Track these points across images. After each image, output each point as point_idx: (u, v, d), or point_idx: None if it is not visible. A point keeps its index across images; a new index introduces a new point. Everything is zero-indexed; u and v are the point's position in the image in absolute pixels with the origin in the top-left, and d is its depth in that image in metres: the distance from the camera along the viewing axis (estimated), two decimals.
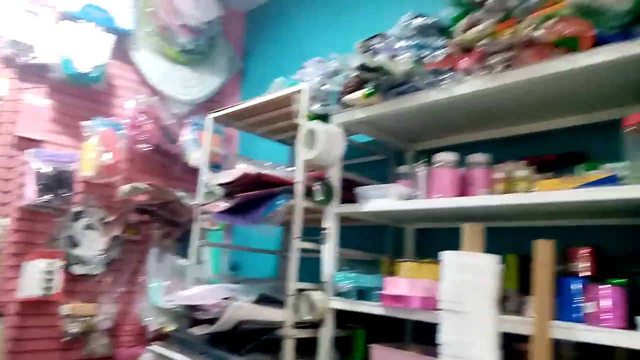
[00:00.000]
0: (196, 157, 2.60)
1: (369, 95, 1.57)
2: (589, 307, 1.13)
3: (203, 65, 2.89)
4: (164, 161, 2.68)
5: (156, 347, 1.93)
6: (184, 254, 2.49)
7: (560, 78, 1.25)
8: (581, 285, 1.17)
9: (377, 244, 2.06)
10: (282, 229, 2.51)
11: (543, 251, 1.06)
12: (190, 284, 2.08)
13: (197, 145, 2.65)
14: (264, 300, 1.72)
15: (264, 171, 1.75)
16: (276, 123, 2.25)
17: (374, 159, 2.13)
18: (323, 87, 1.74)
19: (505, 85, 1.32)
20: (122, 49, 2.56)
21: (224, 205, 1.84)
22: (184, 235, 2.60)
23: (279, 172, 1.82)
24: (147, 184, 2.42)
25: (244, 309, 1.62)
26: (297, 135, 1.75)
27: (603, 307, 1.11)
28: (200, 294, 1.74)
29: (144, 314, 2.34)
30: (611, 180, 1.14)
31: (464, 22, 1.38)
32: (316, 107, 1.75)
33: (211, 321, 1.67)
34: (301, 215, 1.71)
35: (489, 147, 1.78)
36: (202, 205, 2.10)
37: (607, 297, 1.11)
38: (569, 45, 1.19)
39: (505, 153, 1.71)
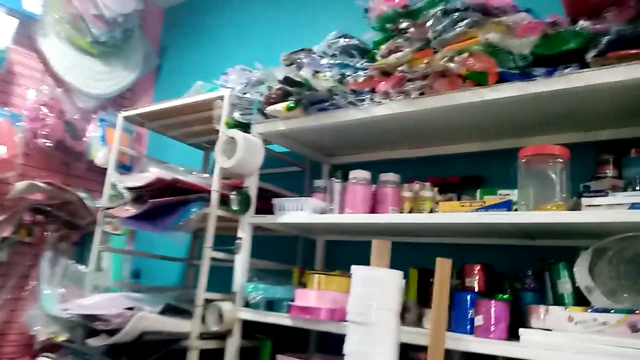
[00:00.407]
0: (102, 155, 2.46)
1: (290, 108, 1.60)
2: (479, 320, 1.23)
3: (116, 59, 2.75)
4: (65, 158, 2.50)
5: (45, 359, 1.78)
6: (81, 259, 2.34)
7: (468, 108, 1.37)
8: (472, 300, 1.28)
9: (288, 254, 2.08)
10: (191, 236, 2.45)
11: (441, 268, 1.14)
12: (88, 292, 1.96)
13: (103, 143, 2.51)
14: (170, 310, 1.66)
15: (179, 177, 1.70)
16: (192, 127, 2.20)
17: (291, 169, 2.15)
18: (245, 96, 1.74)
19: (419, 111, 1.41)
20: (26, 35, 2.37)
21: (132, 210, 1.76)
22: (82, 238, 2.44)
23: (194, 179, 1.77)
24: (45, 182, 2.24)
25: (149, 319, 1.56)
26: (213, 140, 1.73)
27: (490, 320, 1.21)
28: (101, 303, 1.64)
29: (32, 322, 2.15)
30: (505, 205, 1.26)
31: (385, 47, 1.46)
32: (237, 115, 1.74)
33: (110, 332, 1.58)
34: (214, 223, 1.69)
35: (400, 165, 1.88)
36: (107, 208, 1.99)
37: (493, 311, 1.22)
38: (478, 79, 1.30)
39: (414, 172, 1.82)
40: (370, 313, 1.18)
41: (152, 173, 1.74)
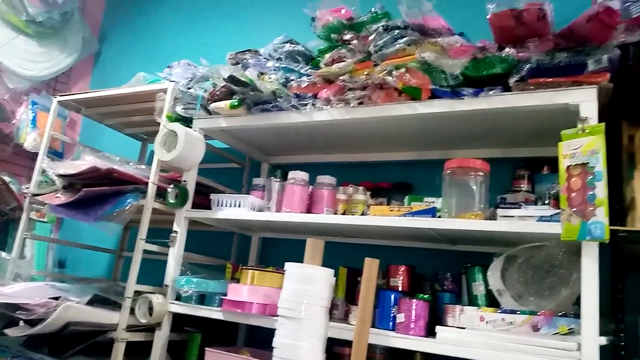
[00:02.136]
0: (32, 140, 2.36)
1: (234, 106, 1.63)
2: (400, 318, 1.32)
3: (53, 41, 2.65)
4: None
5: None
6: (3, 245, 2.23)
7: (402, 120, 1.46)
8: (396, 298, 1.37)
9: (223, 249, 2.10)
10: (122, 228, 2.40)
11: (369, 268, 1.21)
12: (9, 280, 1.87)
13: (34, 127, 2.40)
14: (98, 301, 1.63)
15: (116, 167, 1.68)
16: (131, 117, 2.16)
17: (230, 166, 2.17)
18: (189, 90, 1.74)
19: (357, 119, 1.48)
20: None
21: (63, 197, 1.71)
22: (5, 224, 2.33)
23: (131, 169, 1.75)
24: None
25: (75, 309, 1.53)
26: (152, 132, 1.72)
27: (410, 318, 1.31)
28: (24, 292, 1.58)
29: None
30: (430, 212, 1.36)
31: (329, 55, 1.52)
32: (179, 109, 1.74)
33: (32, 322, 1.53)
34: (149, 216, 1.68)
35: (336, 169, 1.96)
36: (36, 194, 1.91)
37: (414, 309, 1.31)
38: (412, 93, 1.39)
39: (349, 176, 1.90)
40: (301, 308, 1.24)
41: (87, 161, 1.70)
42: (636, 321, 1.36)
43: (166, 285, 1.65)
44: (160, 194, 1.72)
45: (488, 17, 1.23)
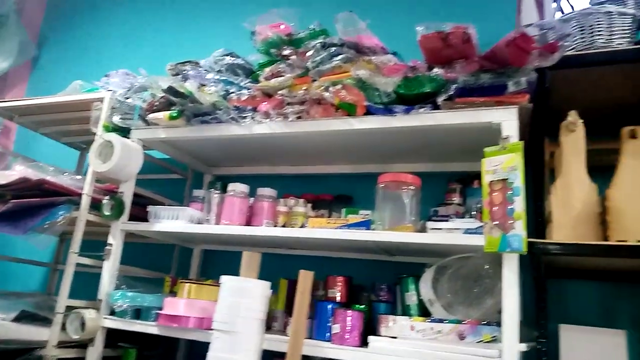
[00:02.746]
0: None
1: (173, 117, 1.61)
2: (336, 328, 1.34)
3: None
4: None
5: None
6: None
7: (339, 134, 1.49)
8: (332, 309, 1.39)
9: (164, 262, 2.06)
10: (57, 240, 2.31)
11: (304, 280, 1.23)
12: None
13: None
14: (26, 317, 1.56)
15: (47, 178, 1.62)
16: (69, 125, 2.10)
17: (172, 177, 2.14)
18: (127, 100, 1.71)
19: (296, 133, 1.51)
20: None
21: None
22: None
23: (65, 180, 1.70)
24: None
25: (1, 327, 1.46)
26: (90, 141, 1.68)
27: (345, 329, 1.33)
28: None
29: None
30: (365, 224, 1.40)
31: (269, 70, 1.54)
32: (116, 119, 1.71)
33: None
34: (83, 228, 1.63)
35: (279, 180, 1.99)
36: None
37: (349, 320, 1.34)
38: (348, 109, 1.43)
39: (292, 188, 1.92)
40: (236, 322, 1.24)
41: (17, 171, 1.63)
42: (556, 328, 1.44)
43: (100, 300, 1.61)
44: (96, 205, 1.68)
45: (418, 38, 1.29)
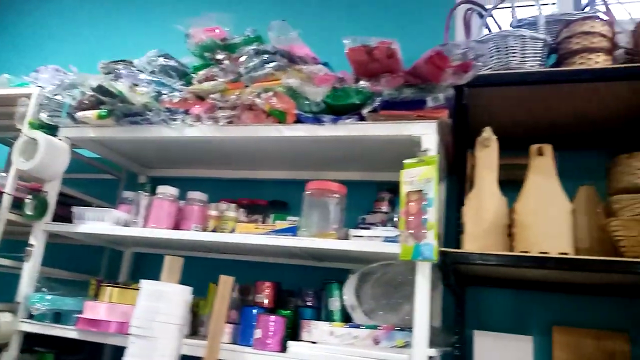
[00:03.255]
0: None
1: (102, 116, 1.58)
2: (257, 334, 1.35)
3: None
4: None
5: None
6: None
7: (269, 141, 1.51)
8: (256, 315, 1.40)
9: (93, 264, 2.01)
10: None
11: (223, 285, 1.24)
12: None
13: None
14: None
15: None
16: None
17: (106, 177, 2.09)
18: (56, 97, 1.67)
19: (227, 137, 1.51)
20: None
21: None
22: None
23: None
24: None
25: None
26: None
27: (268, 334, 1.35)
28: None
29: None
30: (291, 230, 1.42)
31: (203, 73, 1.54)
32: (44, 116, 1.66)
33: None
34: (3, 227, 1.57)
35: (216, 184, 1.98)
36: None
37: (271, 325, 1.35)
38: (278, 117, 1.45)
39: (228, 192, 1.93)
40: (154, 327, 1.23)
41: None
42: (471, 334, 1.51)
43: (18, 303, 1.55)
44: (19, 204, 1.62)
45: (345, 51, 1.32)
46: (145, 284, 1.26)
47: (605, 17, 1.36)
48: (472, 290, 1.63)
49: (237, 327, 1.47)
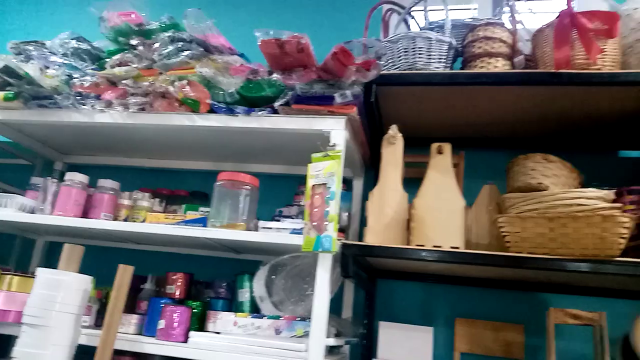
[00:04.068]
0: None
1: (8, 98, 1.52)
2: (161, 324, 1.34)
3: None
4: None
5: None
6: None
7: (183, 130, 1.49)
8: (162, 306, 1.39)
9: (3, 253, 1.93)
10: None
11: (122, 275, 1.22)
12: None
13: None
14: None
15: None
16: None
17: (20, 162, 2.01)
18: None
19: (138, 124, 1.48)
20: None
21: None
22: None
23: None
24: None
25: None
26: None
27: (172, 324, 1.34)
28: None
29: None
30: (201, 221, 1.41)
31: (117, 58, 1.51)
32: None
33: None
34: None
35: (136, 173, 1.95)
36: None
37: (175, 316, 1.34)
38: (192, 105, 1.43)
39: (149, 181, 1.90)
40: (48, 316, 1.19)
41: None
42: (377, 326, 1.55)
43: None
44: None
45: (258, 43, 1.33)
46: (41, 272, 1.23)
47: (509, 24, 1.43)
48: (382, 283, 1.68)
49: (144, 317, 1.45)
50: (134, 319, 1.44)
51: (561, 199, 1.13)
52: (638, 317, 1.17)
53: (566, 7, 1.31)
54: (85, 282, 1.26)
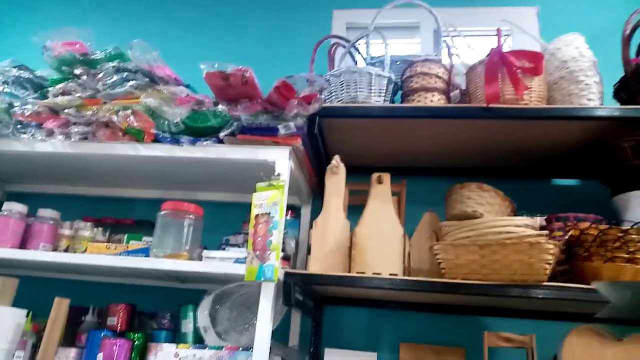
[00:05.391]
0: None
1: None
2: (100, 358, 1.31)
3: None
4: None
5: None
6: None
7: (127, 159, 1.49)
8: (102, 338, 1.36)
9: None
10: None
11: (57, 307, 1.19)
12: None
13: None
14: None
15: None
16: None
17: None
18: None
19: (81, 154, 1.46)
20: None
21: None
22: None
23: None
24: None
25: None
26: None
27: (110, 358, 1.31)
28: None
29: None
30: (143, 251, 1.40)
31: (60, 87, 1.49)
32: None
33: None
34: None
35: (82, 201, 1.91)
36: None
37: (114, 349, 1.31)
38: (136, 135, 1.43)
39: (92, 210, 1.86)
40: None
41: None
42: (323, 353, 1.57)
43: None
44: None
45: (203, 75, 1.35)
46: None
47: (445, 60, 1.52)
48: (329, 310, 1.70)
49: (82, 351, 1.41)
50: (72, 352, 1.39)
51: (491, 226, 1.19)
52: (565, 338, 1.23)
53: (496, 45, 1.41)
54: (18, 316, 1.22)
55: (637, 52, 1.47)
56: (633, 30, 1.44)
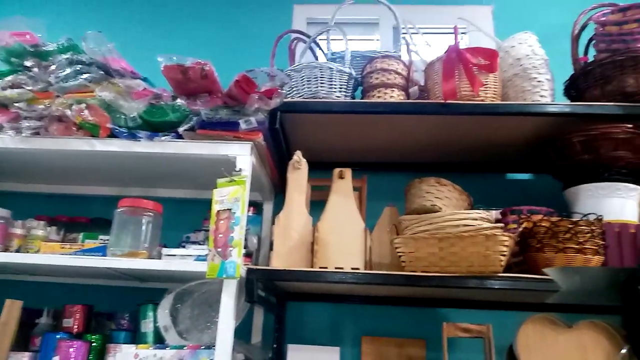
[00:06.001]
0: None
1: None
2: None
3: None
4: None
5: None
6: None
7: (81, 155, 1.44)
8: (57, 341, 1.31)
9: None
10: None
11: (8, 310, 1.15)
12: None
13: None
14: None
15: None
16: None
17: None
18: None
19: (33, 149, 1.40)
20: None
21: None
22: None
23: None
24: None
25: None
26: None
27: None
28: None
29: None
30: (100, 250, 1.36)
31: (8, 79, 1.42)
32: None
33: None
34: None
35: (34, 199, 1.83)
36: None
37: (71, 351, 1.27)
38: (91, 130, 1.39)
39: (47, 208, 1.79)
40: None
41: None
42: (286, 349, 1.57)
43: None
44: None
45: (161, 68, 1.32)
46: None
47: (404, 57, 1.54)
48: (292, 306, 1.70)
49: (37, 355, 1.36)
50: (25, 357, 1.34)
51: (449, 220, 1.21)
52: (520, 327, 1.27)
53: (454, 43, 1.44)
54: None
55: (585, 51, 1.53)
56: (581, 30, 1.50)
